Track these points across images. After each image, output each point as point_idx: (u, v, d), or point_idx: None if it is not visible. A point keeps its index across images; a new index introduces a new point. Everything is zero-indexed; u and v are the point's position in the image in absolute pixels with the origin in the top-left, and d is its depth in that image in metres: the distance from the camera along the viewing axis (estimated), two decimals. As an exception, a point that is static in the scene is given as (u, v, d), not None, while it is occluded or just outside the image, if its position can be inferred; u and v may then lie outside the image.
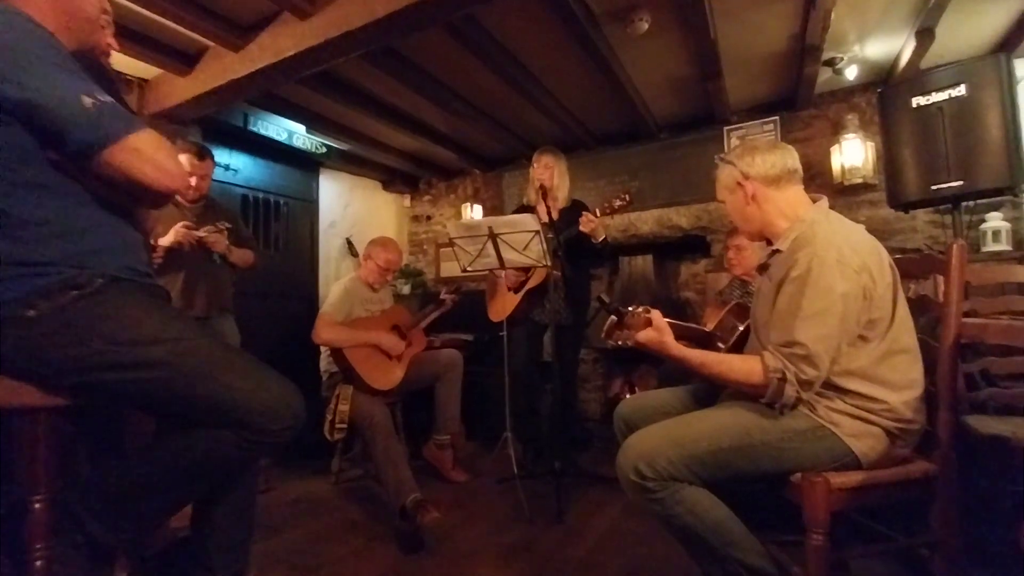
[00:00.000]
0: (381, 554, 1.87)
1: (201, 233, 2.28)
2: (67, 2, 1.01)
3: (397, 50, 2.63)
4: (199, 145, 2.44)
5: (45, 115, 0.89)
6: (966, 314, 1.31)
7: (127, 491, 1.00)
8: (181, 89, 2.78)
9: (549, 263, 2.25)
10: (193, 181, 2.34)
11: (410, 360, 2.64)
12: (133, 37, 2.49)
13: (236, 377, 0.99)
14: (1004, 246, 2.56)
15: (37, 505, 0.97)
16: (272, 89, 2.86)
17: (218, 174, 2.58)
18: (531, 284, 2.63)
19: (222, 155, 3.44)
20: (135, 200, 1.04)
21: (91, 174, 0.96)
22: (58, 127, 0.90)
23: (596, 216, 2.44)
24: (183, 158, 2.33)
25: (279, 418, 1.00)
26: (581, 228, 2.43)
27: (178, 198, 2.33)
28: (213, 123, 3.20)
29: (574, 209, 2.66)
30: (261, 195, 3.79)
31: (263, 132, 3.47)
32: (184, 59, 2.72)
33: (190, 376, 0.97)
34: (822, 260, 1.11)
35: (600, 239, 2.53)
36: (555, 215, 2.52)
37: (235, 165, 3.58)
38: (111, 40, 1.30)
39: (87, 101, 0.90)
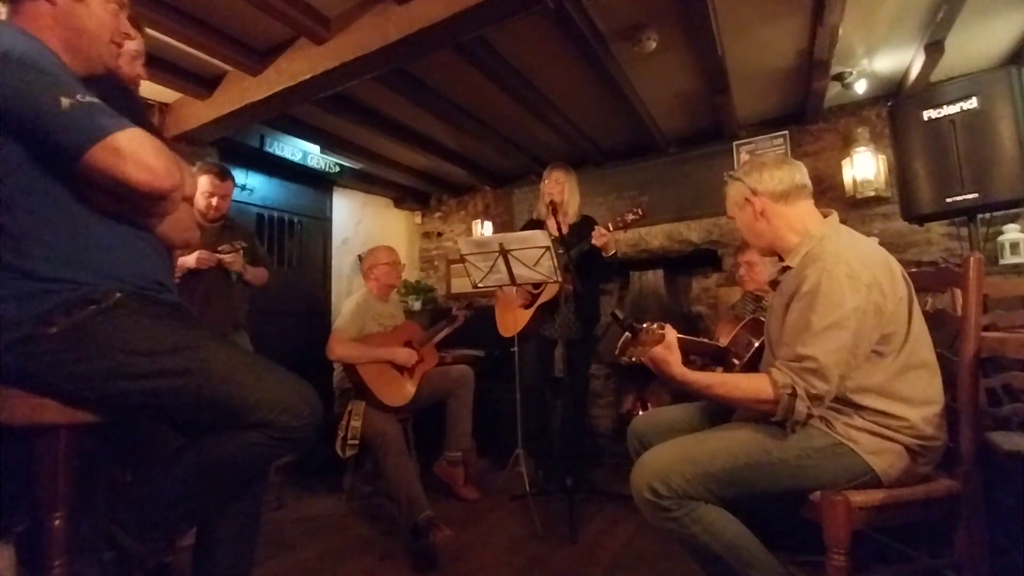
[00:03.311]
0: (393, 573, 1.85)
1: (222, 257, 2.34)
2: (70, 19, 1.01)
3: (409, 71, 2.69)
4: (220, 166, 2.50)
5: (22, 119, 0.87)
6: (985, 328, 1.29)
7: (158, 501, 1.01)
8: (200, 112, 2.87)
9: (560, 278, 2.26)
10: (214, 201, 2.40)
11: (422, 376, 2.65)
12: (155, 63, 2.57)
13: (256, 378, 1.01)
14: (1022, 258, 2.52)
15: (56, 522, 0.97)
16: (288, 111, 2.93)
17: (234, 194, 2.63)
18: (543, 299, 2.63)
19: (239, 175, 3.51)
20: (131, 204, 1.01)
21: (88, 182, 0.94)
22: (36, 131, 0.88)
23: (609, 230, 2.45)
24: (204, 179, 2.39)
25: (301, 415, 1.02)
26: (594, 242, 2.44)
27: (196, 214, 2.39)
28: (230, 144, 3.28)
29: (584, 224, 2.67)
30: (276, 214, 3.87)
31: (278, 153, 3.55)
32: (203, 83, 2.80)
33: (212, 380, 0.98)
34: (832, 275, 1.10)
35: (610, 253, 2.54)
36: (565, 230, 2.53)
37: (251, 185, 3.66)
38: (140, 71, 1.36)
39: (65, 102, 0.87)
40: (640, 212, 2.46)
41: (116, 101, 0.97)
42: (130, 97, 1.23)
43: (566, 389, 2.49)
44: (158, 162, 0.93)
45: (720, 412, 1.40)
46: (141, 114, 1.22)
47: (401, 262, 2.84)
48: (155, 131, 1.08)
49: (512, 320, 2.69)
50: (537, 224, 2.74)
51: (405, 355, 2.55)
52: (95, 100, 0.91)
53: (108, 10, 1.04)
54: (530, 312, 2.66)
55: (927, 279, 1.36)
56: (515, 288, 2.50)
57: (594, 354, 3.05)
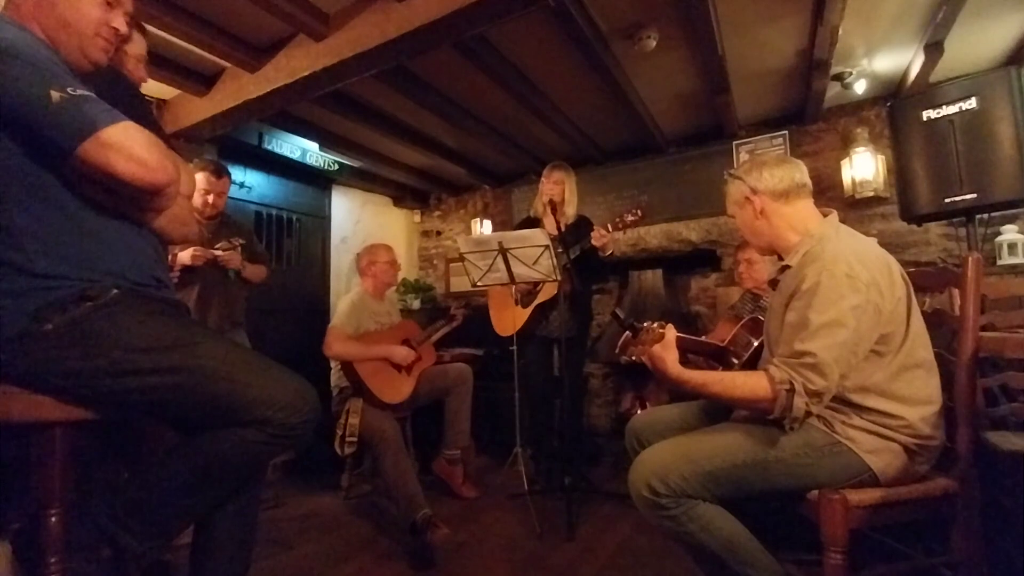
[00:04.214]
0: (391, 571, 1.85)
1: (217, 252, 2.33)
2: (52, 10, 0.99)
3: (409, 69, 2.68)
4: (216, 163, 2.49)
5: (12, 113, 0.86)
6: (983, 328, 1.29)
7: (155, 498, 1.01)
8: (198, 109, 2.86)
9: (559, 277, 2.26)
10: (210, 199, 2.39)
11: (420, 374, 2.65)
12: (152, 60, 2.53)
13: (254, 376, 1.01)
14: (1020, 259, 2.53)
15: (52, 518, 0.97)
16: (286, 108, 2.92)
17: (232, 191, 2.63)
18: (541, 298, 2.63)
19: (237, 173, 3.50)
20: (126, 199, 1.00)
21: (82, 177, 0.93)
22: (27, 125, 0.87)
23: (608, 230, 2.45)
24: (201, 176, 2.38)
25: (299, 412, 1.02)
26: (593, 242, 2.44)
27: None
28: (228, 141, 3.27)
29: (580, 225, 2.67)
30: (274, 211, 3.86)
31: (277, 150, 3.54)
32: (201, 80, 2.79)
33: (210, 378, 0.98)
34: (831, 274, 1.10)
35: (608, 253, 2.54)
36: (563, 229, 2.53)
37: (249, 182, 3.65)
38: (143, 73, 1.39)
39: (55, 96, 0.85)
40: (639, 213, 2.47)
41: (118, 99, 0.96)
42: (136, 97, 1.23)
43: (564, 388, 2.49)
44: (150, 156, 0.92)
45: (718, 411, 1.40)
46: (146, 114, 1.22)
47: (398, 262, 2.84)
48: (160, 132, 1.07)
49: (510, 319, 2.68)
50: (533, 222, 2.74)
51: (402, 353, 2.55)
52: (87, 93, 0.90)
53: (94, 3, 1.03)
54: (528, 311, 2.66)
55: (926, 279, 1.36)
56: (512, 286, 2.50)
57: (589, 353, 3.05)
